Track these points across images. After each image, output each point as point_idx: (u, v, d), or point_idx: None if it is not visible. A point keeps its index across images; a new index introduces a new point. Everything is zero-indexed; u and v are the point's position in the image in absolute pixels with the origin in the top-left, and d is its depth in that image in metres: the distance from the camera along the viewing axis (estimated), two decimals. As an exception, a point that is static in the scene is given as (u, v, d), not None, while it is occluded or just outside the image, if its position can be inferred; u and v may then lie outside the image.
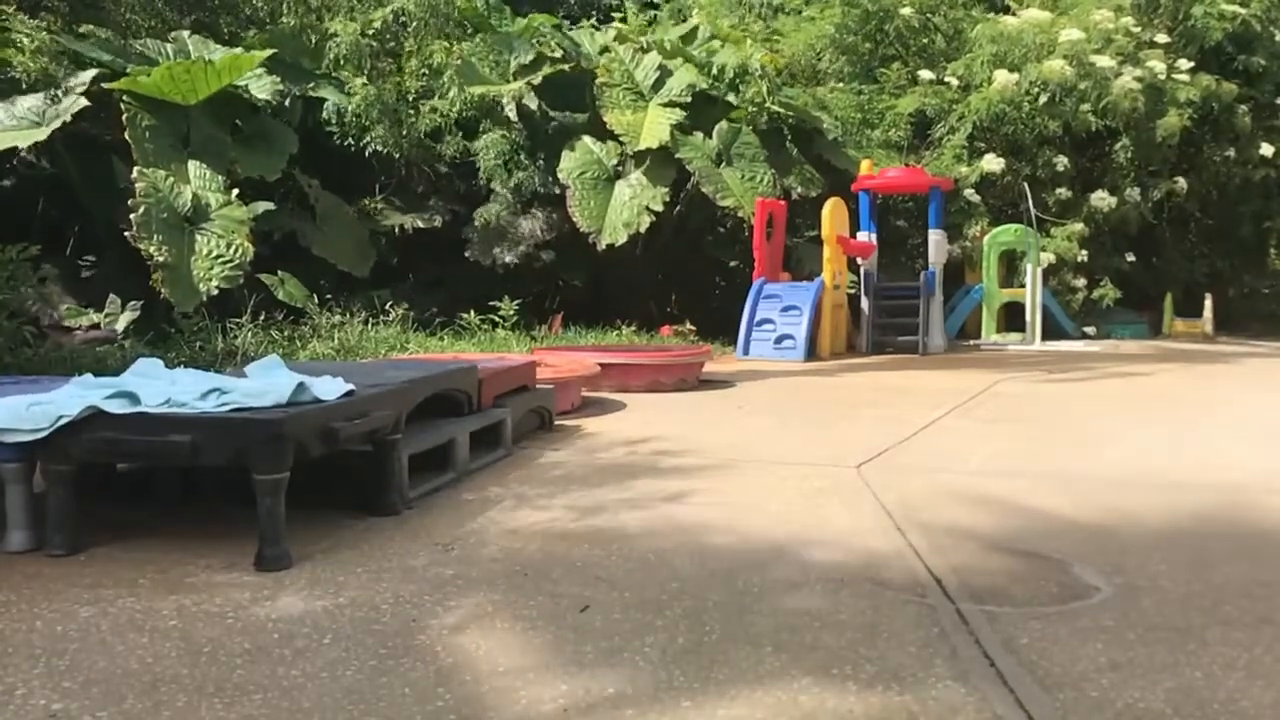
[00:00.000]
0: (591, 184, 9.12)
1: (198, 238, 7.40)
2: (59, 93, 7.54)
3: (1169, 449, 3.77)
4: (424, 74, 9.54)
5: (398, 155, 9.49)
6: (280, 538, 2.23)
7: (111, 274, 8.03)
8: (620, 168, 9.21)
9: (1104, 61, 9.69)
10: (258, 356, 5.01)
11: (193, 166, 7.76)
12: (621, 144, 9.09)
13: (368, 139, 9.27)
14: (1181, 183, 10.51)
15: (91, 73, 7.76)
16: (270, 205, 8.33)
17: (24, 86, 7.60)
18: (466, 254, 9.47)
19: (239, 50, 8.67)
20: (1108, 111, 9.88)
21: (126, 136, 7.45)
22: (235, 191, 7.78)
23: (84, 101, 7.55)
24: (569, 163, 9.17)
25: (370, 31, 9.71)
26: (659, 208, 9.00)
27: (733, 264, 10.43)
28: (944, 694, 1.55)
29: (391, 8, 9.77)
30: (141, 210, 7.14)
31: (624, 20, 11.11)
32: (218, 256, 7.35)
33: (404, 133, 9.36)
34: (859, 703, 1.52)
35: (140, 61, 8.26)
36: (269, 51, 8.36)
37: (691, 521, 2.63)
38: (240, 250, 7.40)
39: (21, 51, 7.52)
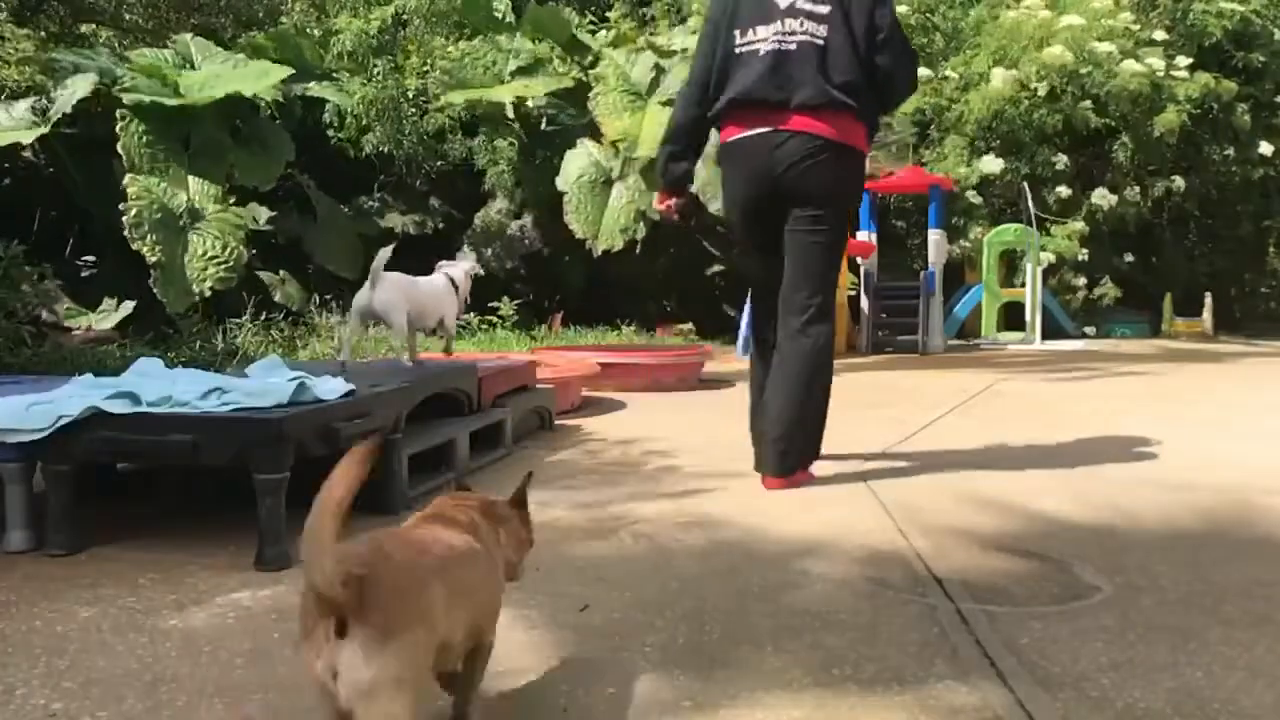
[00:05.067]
0: (589, 188, 9.10)
1: (192, 238, 7.41)
2: (48, 102, 7.55)
3: (1169, 448, 3.77)
4: (424, 72, 9.55)
5: (398, 153, 9.49)
6: (281, 537, 2.23)
7: (111, 274, 8.04)
8: (617, 172, 9.20)
9: (1104, 47, 9.67)
10: (258, 356, 5.01)
11: (191, 175, 7.77)
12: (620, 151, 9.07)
13: (366, 139, 9.27)
14: (1180, 181, 10.51)
15: (92, 78, 7.77)
16: (269, 212, 8.35)
17: (5, 94, 7.61)
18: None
19: (242, 55, 8.68)
20: (1110, 100, 9.86)
21: (119, 148, 7.45)
22: (234, 199, 7.78)
23: (83, 91, 7.54)
24: (570, 169, 9.14)
25: (372, 31, 9.72)
26: (656, 215, 8.98)
27: (733, 264, 10.43)
28: (944, 694, 1.55)
29: (393, 7, 9.77)
30: (134, 213, 7.15)
31: (623, 18, 11.10)
32: (212, 258, 7.35)
33: (405, 131, 9.36)
34: (859, 702, 1.52)
35: (137, 69, 8.26)
36: (290, 72, 8.31)
37: (692, 521, 2.63)
38: (235, 253, 7.39)
39: (7, 63, 7.53)
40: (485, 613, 1.38)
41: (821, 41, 2.92)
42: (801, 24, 2.94)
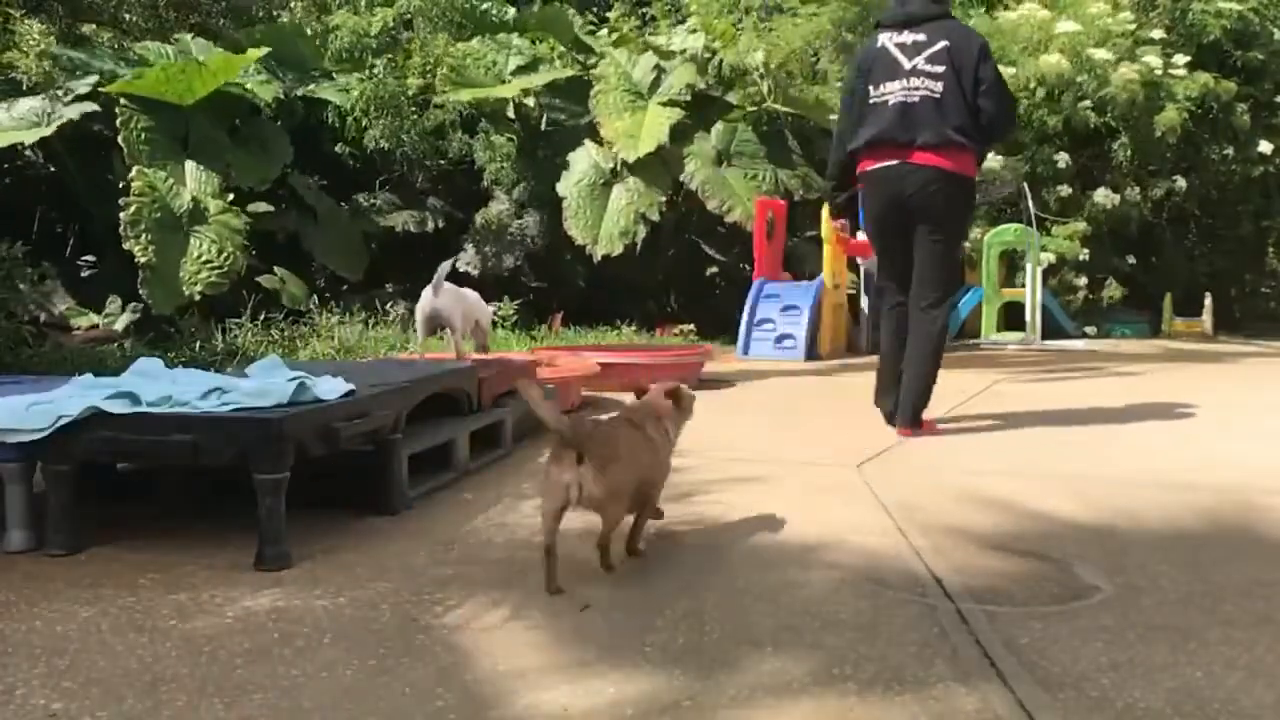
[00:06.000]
0: (588, 192, 9.09)
1: (191, 240, 7.40)
2: (59, 95, 7.57)
3: (1169, 448, 3.77)
4: (427, 71, 9.54)
5: (398, 150, 9.48)
6: (280, 537, 2.23)
7: (111, 274, 8.04)
8: (616, 174, 9.19)
9: (1101, 55, 9.67)
10: (258, 356, 5.01)
11: (190, 167, 7.77)
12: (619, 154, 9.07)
13: (367, 136, 9.26)
14: (1181, 182, 10.49)
15: (94, 78, 7.78)
16: (269, 207, 8.34)
17: (24, 88, 7.63)
18: (460, 266, 9.40)
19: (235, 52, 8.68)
20: (1107, 105, 9.86)
21: (120, 140, 7.46)
22: (231, 196, 7.77)
23: (92, 105, 7.56)
24: (571, 175, 9.13)
25: (374, 31, 9.71)
26: (655, 217, 8.99)
27: (733, 264, 10.43)
28: (944, 694, 1.55)
29: (395, 9, 9.77)
30: (133, 209, 7.14)
31: (624, 18, 11.09)
32: (206, 261, 7.34)
33: (405, 128, 9.36)
34: (859, 702, 1.52)
35: (140, 64, 8.27)
36: (263, 50, 8.35)
37: (691, 521, 2.63)
38: (230, 258, 7.39)
39: (26, 54, 7.55)
40: (653, 478, 2.26)
41: (938, 95, 3.78)
42: (922, 81, 3.81)
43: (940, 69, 3.79)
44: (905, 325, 3.99)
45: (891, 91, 3.85)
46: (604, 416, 2.33)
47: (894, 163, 3.84)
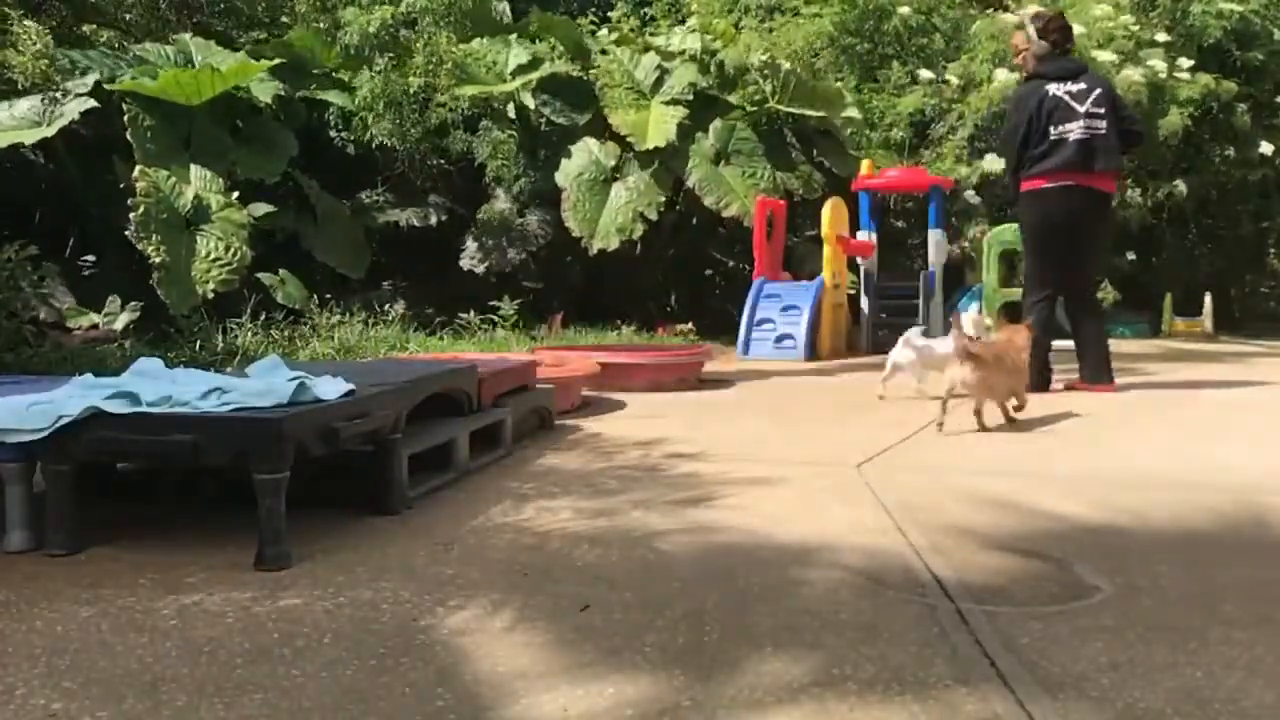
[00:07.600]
0: (589, 186, 9.09)
1: (197, 239, 7.40)
2: (58, 95, 7.56)
3: (1169, 448, 3.77)
4: (429, 69, 9.53)
5: (401, 147, 9.47)
6: (280, 537, 2.23)
7: (111, 274, 8.03)
8: (618, 170, 9.19)
9: (1105, 56, 9.66)
10: (258, 356, 5.01)
11: (194, 167, 7.76)
12: (629, 144, 9.07)
13: (370, 133, 9.26)
14: (1182, 186, 10.48)
15: (93, 77, 7.77)
16: (270, 207, 8.34)
17: (20, 89, 7.62)
18: (461, 263, 9.40)
19: (243, 55, 8.69)
20: None
21: (129, 136, 7.46)
22: (235, 194, 7.77)
23: (91, 102, 7.55)
24: (570, 167, 9.14)
25: (373, 29, 9.71)
26: (654, 216, 8.98)
27: (733, 264, 10.42)
28: (944, 694, 1.55)
29: (403, 5, 9.76)
30: (141, 210, 7.13)
31: (625, 18, 11.09)
32: (215, 259, 7.34)
33: (408, 127, 9.35)
34: (859, 702, 1.52)
35: (140, 64, 8.26)
36: (275, 61, 8.36)
37: (691, 521, 2.63)
38: (238, 254, 7.38)
39: (22, 54, 7.54)
40: (1017, 383, 4.13)
41: (1103, 131, 4.97)
42: (1093, 122, 4.97)
43: (1102, 110, 4.96)
44: (1052, 315, 5.24)
45: (1071, 130, 4.95)
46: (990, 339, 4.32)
47: (1071, 184, 4.97)
